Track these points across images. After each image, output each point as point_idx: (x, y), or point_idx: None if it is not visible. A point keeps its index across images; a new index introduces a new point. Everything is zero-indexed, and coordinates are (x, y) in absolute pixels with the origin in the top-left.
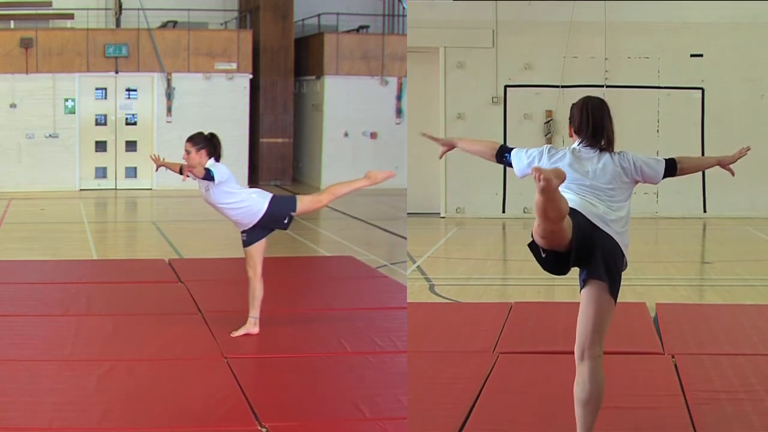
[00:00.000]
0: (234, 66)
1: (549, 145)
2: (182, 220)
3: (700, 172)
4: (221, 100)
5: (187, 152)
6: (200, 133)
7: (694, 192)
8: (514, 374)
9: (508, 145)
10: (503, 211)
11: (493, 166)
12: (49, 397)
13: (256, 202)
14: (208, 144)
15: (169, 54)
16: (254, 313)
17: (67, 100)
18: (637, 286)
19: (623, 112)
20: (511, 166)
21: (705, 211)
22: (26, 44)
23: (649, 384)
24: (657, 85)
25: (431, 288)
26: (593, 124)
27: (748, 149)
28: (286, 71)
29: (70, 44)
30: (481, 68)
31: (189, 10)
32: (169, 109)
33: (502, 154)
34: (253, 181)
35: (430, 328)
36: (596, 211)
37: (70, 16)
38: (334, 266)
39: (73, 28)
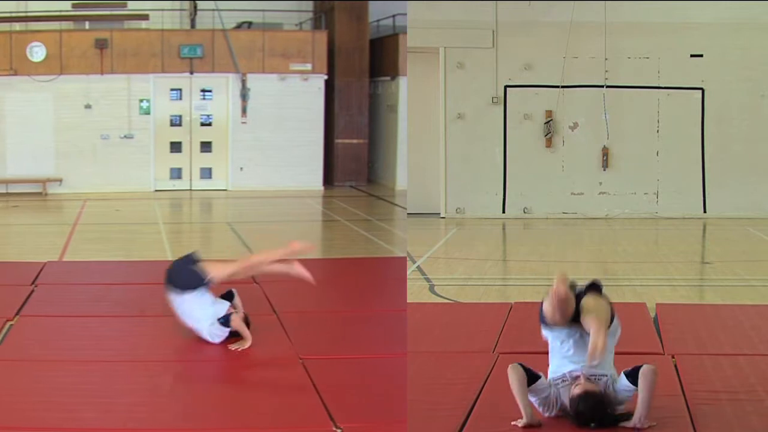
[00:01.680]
0: (309, 67)
1: None
2: (257, 221)
3: (701, 170)
4: (296, 101)
5: None
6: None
7: (694, 192)
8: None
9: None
10: (503, 212)
11: (493, 167)
12: (123, 398)
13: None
14: None
15: (244, 55)
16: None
17: (141, 100)
18: (637, 286)
19: (623, 112)
20: None
21: (705, 212)
22: (101, 45)
23: None
24: (657, 85)
25: (431, 288)
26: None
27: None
28: (361, 72)
29: (145, 45)
30: (481, 68)
31: (264, 11)
32: (243, 110)
33: None
34: (329, 182)
35: (430, 329)
36: None
37: (145, 17)
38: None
39: (148, 29)
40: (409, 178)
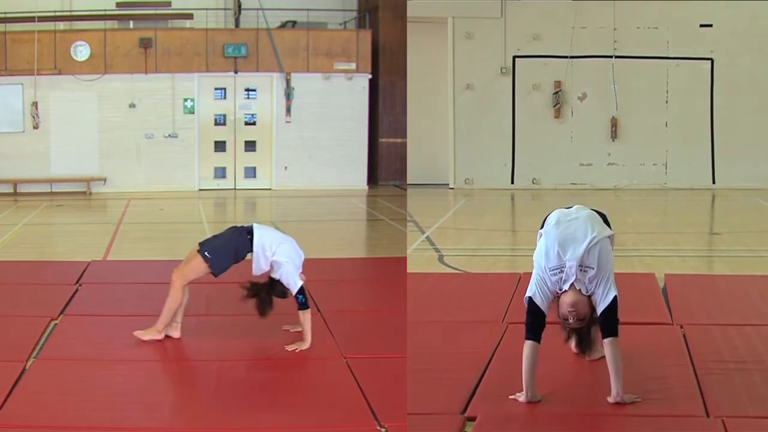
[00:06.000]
0: (353, 66)
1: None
2: (301, 220)
3: (710, 141)
4: (340, 100)
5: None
6: None
7: (702, 163)
8: (523, 344)
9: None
10: (512, 182)
11: (502, 138)
12: (168, 397)
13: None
14: None
15: (288, 54)
16: (179, 318)
17: (186, 100)
18: (646, 257)
19: (632, 82)
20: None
21: (714, 182)
22: (145, 44)
23: (657, 354)
24: (666, 55)
25: (440, 258)
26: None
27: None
28: (405, 71)
29: (189, 44)
30: (489, 39)
31: (308, 10)
32: (288, 109)
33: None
34: (373, 181)
35: (439, 299)
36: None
37: (189, 16)
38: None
39: (192, 28)
40: (417, 150)
